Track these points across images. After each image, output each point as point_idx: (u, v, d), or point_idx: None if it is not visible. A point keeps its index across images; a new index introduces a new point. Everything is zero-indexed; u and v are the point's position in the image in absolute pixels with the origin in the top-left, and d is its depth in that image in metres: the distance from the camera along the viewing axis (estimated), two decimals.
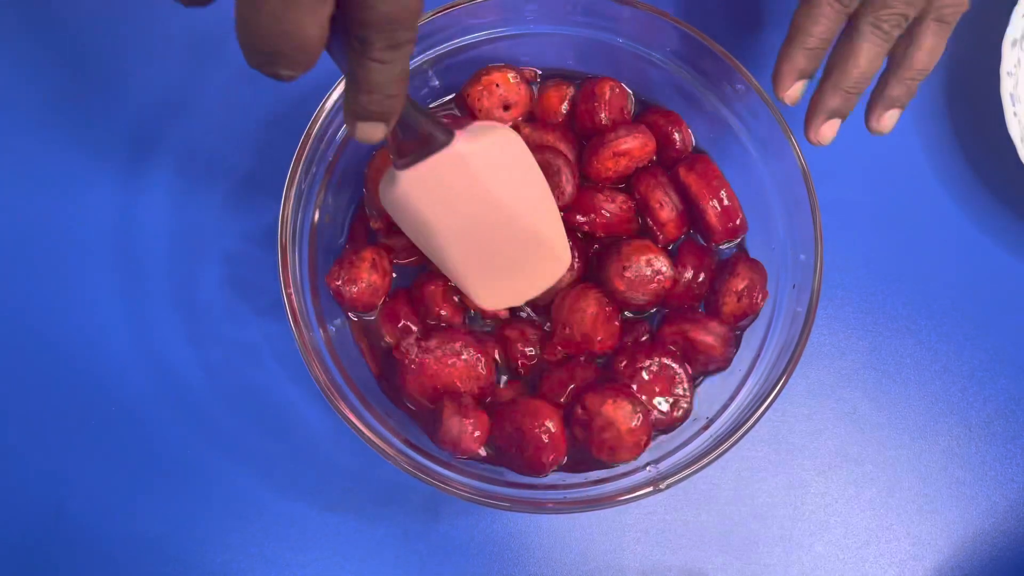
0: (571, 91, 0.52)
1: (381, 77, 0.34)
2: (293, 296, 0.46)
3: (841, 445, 0.56)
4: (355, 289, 0.48)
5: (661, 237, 0.51)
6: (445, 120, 0.51)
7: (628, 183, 0.52)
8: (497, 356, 0.50)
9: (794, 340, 0.47)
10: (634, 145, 0.50)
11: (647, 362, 0.48)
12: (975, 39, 0.59)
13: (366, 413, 0.46)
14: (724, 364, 0.50)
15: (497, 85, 0.51)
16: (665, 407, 0.49)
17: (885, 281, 0.58)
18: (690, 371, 0.49)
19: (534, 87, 0.53)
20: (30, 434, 0.54)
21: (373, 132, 0.36)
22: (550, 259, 0.48)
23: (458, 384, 0.48)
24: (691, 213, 0.51)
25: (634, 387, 0.48)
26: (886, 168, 0.59)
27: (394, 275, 0.51)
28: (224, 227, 0.55)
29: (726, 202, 0.50)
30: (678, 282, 0.50)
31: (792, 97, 0.47)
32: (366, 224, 0.51)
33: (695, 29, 0.49)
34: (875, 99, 0.48)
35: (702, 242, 0.52)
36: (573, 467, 0.49)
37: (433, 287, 0.49)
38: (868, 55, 0.45)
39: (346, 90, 0.35)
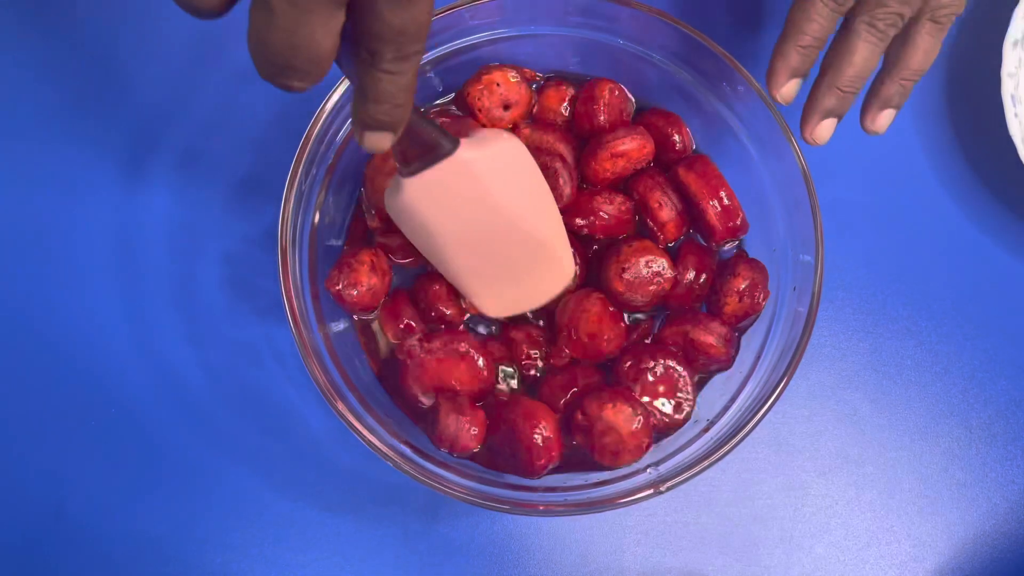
0: (571, 92, 0.52)
1: (390, 87, 0.34)
2: (293, 297, 0.46)
3: (842, 447, 0.56)
4: (355, 293, 0.48)
5: (661, 237, 0.51)
6: (446, 119, 0.52)
7: (627, 185, 0.52)
8: (500, 357, 0.50)
9: (795, 342, 0.47)
10: (632, 147, 0.50)
11: (652, 363, 0.48)
12: (976, 40, 0.59)
13: (366, 415, 0.46)
14: (726, 364, 0.50)
15: (498, 84, 0.51)
16: (668, 409, 0.49)
17: (885, 282, 0.58)
18: (694, 373, 0.49)
19: (534, 88, 0.53)
20: (30, 434, 0.54)
21: (380, 141, 0.36)
22: (554, 269, 0.48)
23: (460, 384, 0.48)
24: (691, 213, 0.51)
25: (638, 388, 0.48)
26: (886, 168, 0.59)
27: (393, 275, 0.51)
28: (224, 228, 0.55)
29: (726, 201, 0.50)
30: (679, 283, 0.50)
31: (785, 95, 0.47)
32: (364, 224, 0.51)
33: (695, 30, 0.49)
34: (870, 99, 0.48)
35: (703, 242, 0.52)
36: (574, 466, 0.49)
37: (437, 287, 0.49)
38: (863, 54, 0.45)
39: (354, 100, 0.36)
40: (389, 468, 0.45)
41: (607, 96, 0.51)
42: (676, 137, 0.51)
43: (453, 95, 0.53)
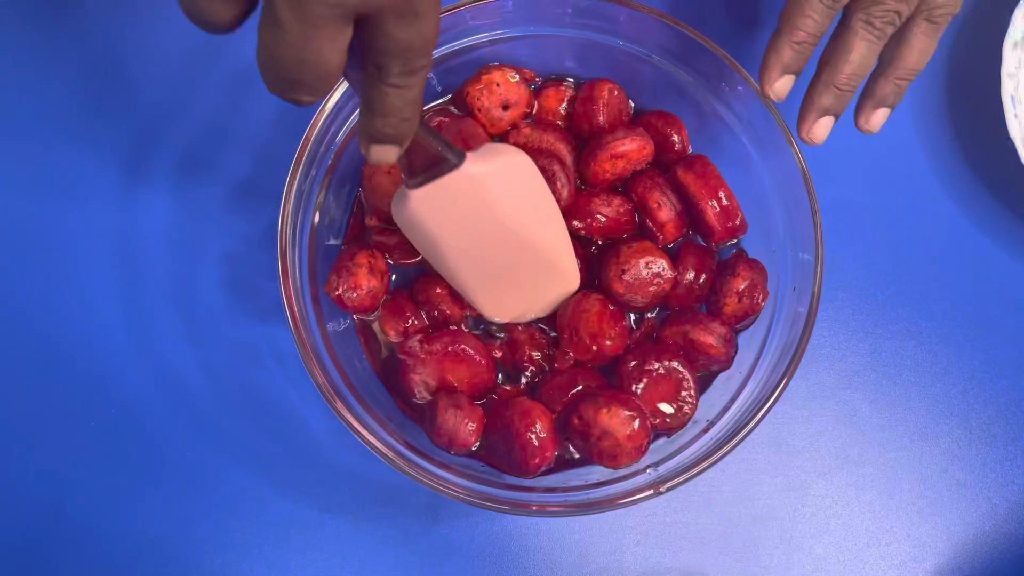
0: (570, 93, 0.52)
1: (397, 101, 0.35)
2: (293, 297, 0.46)
3: (841, 447, 0.56)
4: (355, 296, 0.48)
5: (661, 238, 0.51)
6: (445, 119, 0.52)
7: (626, 185, 0.52)
8: (502, 358, 0.50)
9: (795, 342, 0.47)
10: (632, 148, 0.49)
11: (656, 364, 0.48)
12: (976, 40, 0.59)
13: (365, 415, 0.46)
14: (726, 364, 0.50)
15: (497, 84, 0.51)
16: (670, 410, 0.48)
17: (885, 282, 0.58)
18: (696, 374, 0.49)
19: (533, 88, 0.53)
20: (30, 434, 0.54)
21: (387, 154, 0.37)
22: (558, 280, 0.49)
23: (461, 384, 0.48)
24: (690, 214, 0.51)
25: (640, 389, 0.48)
26: (886, 169, 0.59)
27: (392, 275, 0.51)
28: (224, 228, 0.55)
29: (725, 202, 0.50)
30: (678, 283, 0.50)
31: (778, 91, 0.47)
32: (363, 223, 0.51)
33: (694, 30, 0.49)
34: (864, 98, 0.48)
35: (702, 243, 0.52)
36: (575, 463, 0.49)
37: (440, 289, 0.49)
38: (860, 51, 0.45)
39: (361, 114, 0.36)
40: (389, 468, 0.45)
41: (606, 97, 0.51)
42: (675, 138, 0.51)
43: (451, 96, 0.53)
